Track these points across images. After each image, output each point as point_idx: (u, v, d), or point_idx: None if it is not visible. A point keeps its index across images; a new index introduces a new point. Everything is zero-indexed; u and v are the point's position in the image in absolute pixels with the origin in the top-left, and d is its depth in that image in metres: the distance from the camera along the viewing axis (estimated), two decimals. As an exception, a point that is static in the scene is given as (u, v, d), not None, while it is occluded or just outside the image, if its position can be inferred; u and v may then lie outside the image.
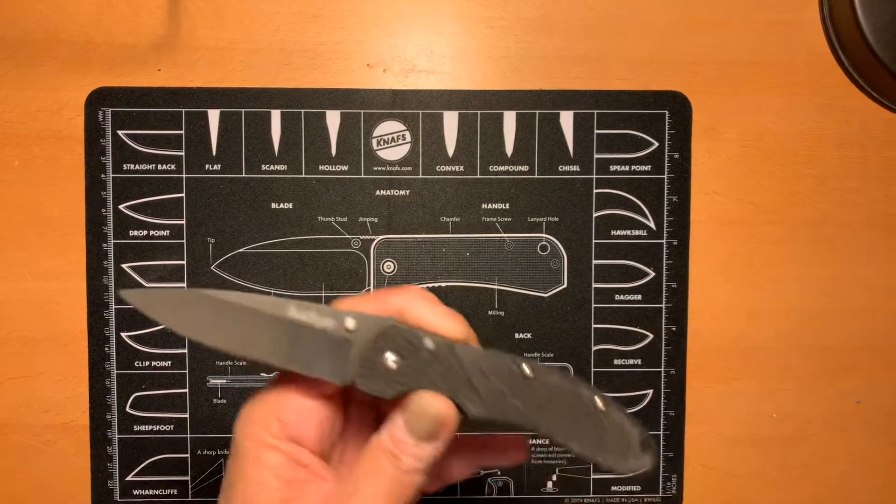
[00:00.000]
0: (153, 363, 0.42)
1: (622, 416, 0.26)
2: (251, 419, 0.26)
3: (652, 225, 0.43)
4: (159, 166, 0.42)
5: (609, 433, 0.26)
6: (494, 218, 0.43)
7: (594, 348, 0.43)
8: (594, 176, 0.43)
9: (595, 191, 0.43)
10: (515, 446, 0.30)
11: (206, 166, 0.42)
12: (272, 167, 0.42)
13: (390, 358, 0.25)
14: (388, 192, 0.43)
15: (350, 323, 0.26)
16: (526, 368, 0.26)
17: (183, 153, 0.42)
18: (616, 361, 0.43)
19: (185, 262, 0.42)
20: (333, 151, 0.42)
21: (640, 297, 0.43)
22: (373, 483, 0.25)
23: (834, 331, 0.44)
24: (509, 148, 0.43)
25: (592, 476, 0.43)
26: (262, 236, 0.42)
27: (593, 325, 0.43)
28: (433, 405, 0.25)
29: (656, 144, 0.43)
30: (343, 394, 0.27)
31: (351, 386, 0.26)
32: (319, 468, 0.26)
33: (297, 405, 0.26)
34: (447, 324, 0.26)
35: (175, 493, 0.43)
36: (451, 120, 0.42)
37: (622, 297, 0.43)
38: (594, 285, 0.43)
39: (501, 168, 0.43)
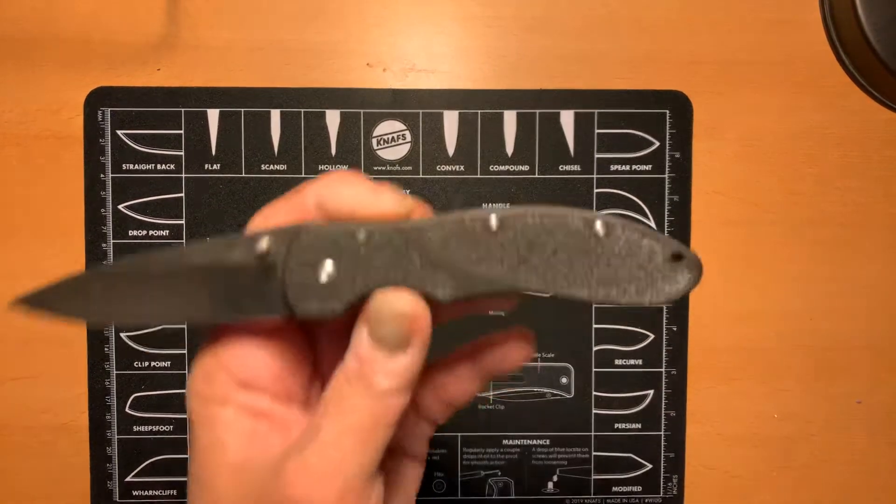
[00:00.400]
0: (152, 363, 0.42)
1: (633, 230, 0.20)
2: (193, 383, 0.22)
3: (653, 224, 0.43)
4: (159, 166, 0.42)
5: (622, 260, 0.20)
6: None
7: (595, 348, 0.43)
8: (595, 175, 0.43)
9: (596, 190, 0.43)
10: (517, 340, 0.25)
11: (206, 166, 0.42)
12: (272, 167, 0.42)
13: (323, 268, 0.21)
14: (389, 192, 0.42)
15: (262, 245, 0.21)
16: (491, 220, 0.20)
17: (182, 153, 0.42)
18: (617, 361, 0.43)
19: (184, 263, 0.42)
20: (333, 151, 0.42)
21: (640, 297, 0.43)
22: (338, 419, 0.21)
23: (835, 331, 0.43)
24: (510, 147, 0.43)
25: (593, 477, 0.43)
26: (261, 236, 0.42)
27: (594, 325, 0.43)
28: (394, 301, 0.21)
29: (657, 144, 0.43)
30: (302, 324, 0.23)
31: (293, 317, 0.21)
32: (285, 414, 0.22)
33: (240, 347, 0.22)
34: (378, 202, 0.21)
35: (175, 493, 0.43)
36: (451, 119, 0.42)
37: (623, 297, 0.43)
38: (595, 285, 0.43)
39: (502, 168, 0.43)
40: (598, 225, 0.20)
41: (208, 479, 0.21)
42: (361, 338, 0.21)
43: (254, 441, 0.22)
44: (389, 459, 0.25)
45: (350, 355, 0.21)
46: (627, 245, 0.20)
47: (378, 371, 0.21)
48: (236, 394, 0.22)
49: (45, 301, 0.23)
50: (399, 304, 0.21)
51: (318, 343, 0.24)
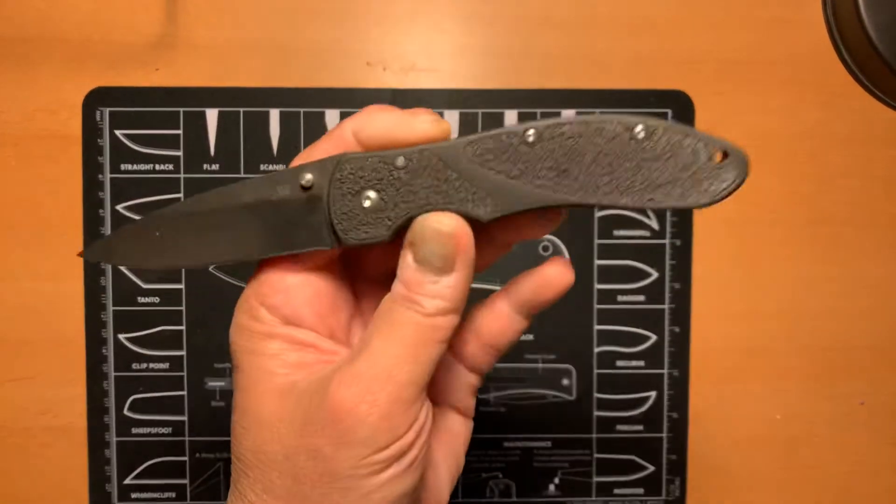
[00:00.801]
0: (151, 365, 0.42)
1: (674, 131, 0.20)
2: (237, 321, 0.23)
3: (655, 225, 0.43)
4: (157, 166, 0.42)
5: (665, 163, 0.20)
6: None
7: (597, 350, 0.43)
8: (596, 175, 0.43)
9: (597, 190, 0.43)
10: (555, 265, 0.25)
11: (205, 166, 0.42)
12: (271, 167, 0.42)
13: (366, 196, 0.22)
14: (389, 192, 0.42)
15: (306, 178, 0.22)
16: (529, 132, 0.20)
17: (181, 153, 0.42)
18: (619, 363, 0.43)
19: (183, 263, 0.42)
20: (333, 151, 0.42)
21: (643, 297, 0.43)
22: (389, 332, 0.21)
23: (837, 331, 0.43)
24: (510, 147, 0.42)
25: (595, 479, 0.43)
26: (261, 237, 0.42)
27: (596, 327, 0.43)
28: (435, 222, 0.21)
29: (659, 144, 0.43)
30: (343, 264, 0.24)
31: (343, 248, 0.22)
32: (330, 346, 0.23)
33: (281, 284, 0.23)
34: (413, 125, 0.22)
35: (174, 496, 0.42)
36: (451, 119, 0.42)
37: (625, 298, 0.43)
38: (597, 286, 0.43)
39: (502, 168, 0.42)
40: (639, 128, 0.20)
41: (255, 406, 0.22)
42: (407, 262, 0.21)
43: (300, 367, 0.22)
44: (437, 414, 0.25)
45: (396, 282, 0.22)
46: (669, 146, 0.20)
47: (425, 294, 0.21)
48: (281, 328, 0.22)
49: (108, 250, 0.24)
50: (441, 225, 0.21)
51: (357, 286, 0.25)
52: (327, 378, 0.21)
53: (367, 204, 0.22)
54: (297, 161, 0.23)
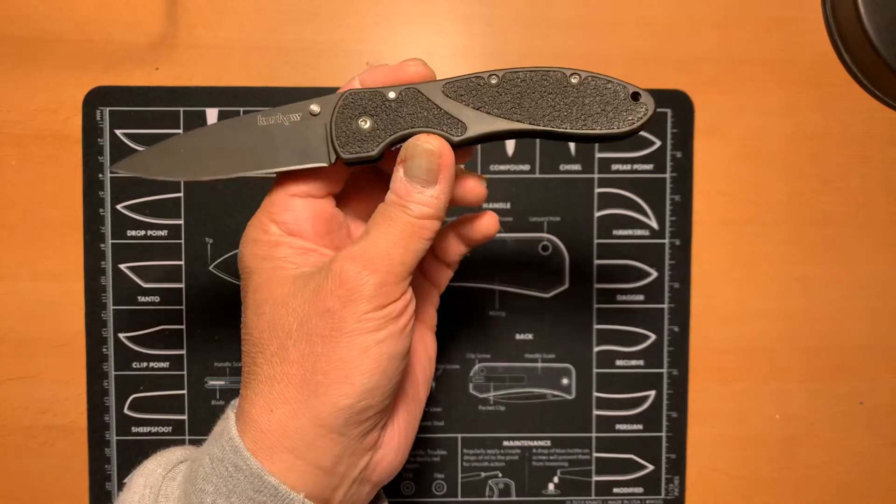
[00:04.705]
0: (151, 364, 0.42)
1: (600, 78, 0.27)
2: (249, 235, 0.28)
3: (654, 224, 0.43)
4: (157, 166, 0.42)
5: (592, 100, 0.27)
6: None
7: (596, 349, 0.43)
8: (596, 175, 0.43)
9: (597, 190, 0.43)
10: (488, 217, 0.31)
11: (205, 166, 0.42)
12: (271, 167, 0.42)
13: (362, 122, 0.27)
14: (388, 192, 0.42)
15: (314, 107, 0.27)
16: (492, 77, 0.27)
17: (181, 153, 0.42)
18: (618, 362, 0.43)
19: (183, 263, 0.42)
20: (333, 151, 0.42)
21: (642, 297, 0.43)
22: (385, 225, 0.26)
23: (837, 331, 0.43)
24: (510, 147, 0.42)
25: (594, 478, 0.43)
26: (261, 236, 0.42)
27: (595, 326, 0.43)
28: (426, 142, 0.26)
29: (658, 143, 0.43)
30: (338, 201, 0.29)
31: (339, 163, 0.27)
32: (329, 252, 0.28)
33: (288, 204, 0.28)
34: (404, 69, 0.28)
35: (173, 495, 0.42)
36: (451, 119, 0.42)
37: (624, 298, 0.43)
38: (596, 285, 0.43)
39: (502, 167, 0.42)
40: (573, 77, 0.27)
41: (270, 292, 0.26)
42: (398, 176, 0.27)
43: (307, 263, 0.27)
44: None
45: (389, 193, 0.27)
46: (596, 89, 0.27)
47: (413, 200, 0.26)
48: (286, 238, 0.27)
49: (140, 163, 0.28)
50: (429, 144, 0.26)
51: (348, 214, 0.30)
52: (332, 260, 0.26)
53: (364, 126, 0.27)
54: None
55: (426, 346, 0.32)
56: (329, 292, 0.25)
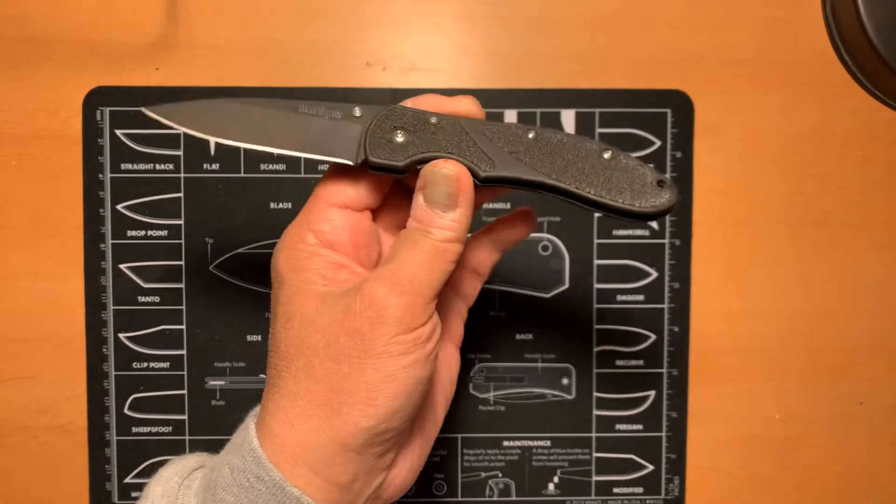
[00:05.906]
0: (151, 364, 0.42)
1: (631, 160, 0.27)
2: (285, 243, 0.28)
3: (654, 225, 0.43)
4: (157, 166, 0.42)
5: (620, 175, 0.27)
6: (495, 217, 0.43)
7: (596, 349, 0.43)
8: (596, 175, 0.43)
9: (596, 190, 0.43)
10: (523, 215, 0.32)
11: (205, 166, 0.42)
12: (271, 166, 0.42)
13: (398, 134, 0.28)
14: (388, 192, 0.42)
15: (357, 111, 0.28)
16: (530, 132, 0.28)
17: (181, 153, 0.42)
18: (618, 362, 0.43)
19: (183, 263, 0.42)
20: (333, 151, 0.42)
21: (642, 297, 0.43)
22: (411, 249, 0.27)
23: (837, 331, 0.43)
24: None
25: (594, 478, 0.43)
26: (261, 236, 0.42)
27: (595, 326, 0.43)
28: (444, 167, 0.27)
29: (658, 143, 0.43)
30: (373, 202, 0.29)
31: (366, 164, 0.27)
32: (360, 270, 0.28)
33: (327, 215, 0.28)
34: (456, 102, 0.28)
35: (173, 495, 0.42)
36: (451, 119, 0.42)
37: (624, 298, 0.43)
38: (596, 286, 0.43)
39: (502, 167, 0.42)
40: (608, 153, 0.27)
41: (299, 307, 0.27)
42: (418, 203, 0.27)
43: (335, 282, 0.27)
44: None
45: (410, 219, 0.27)
46: (626, 168, 0.27)
47: (434, 225, 0.27)
48: (322, 249, 0.28)
49: (173, 112, 0.29)
50: (446, 170, 0.27)
51: (382, 230, 0.30)
52: (360, 282, 0.26)
53: (398, 139, 0.28)
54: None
55: (450, 366, 0.32)
56: (359, 313, 0.25)
